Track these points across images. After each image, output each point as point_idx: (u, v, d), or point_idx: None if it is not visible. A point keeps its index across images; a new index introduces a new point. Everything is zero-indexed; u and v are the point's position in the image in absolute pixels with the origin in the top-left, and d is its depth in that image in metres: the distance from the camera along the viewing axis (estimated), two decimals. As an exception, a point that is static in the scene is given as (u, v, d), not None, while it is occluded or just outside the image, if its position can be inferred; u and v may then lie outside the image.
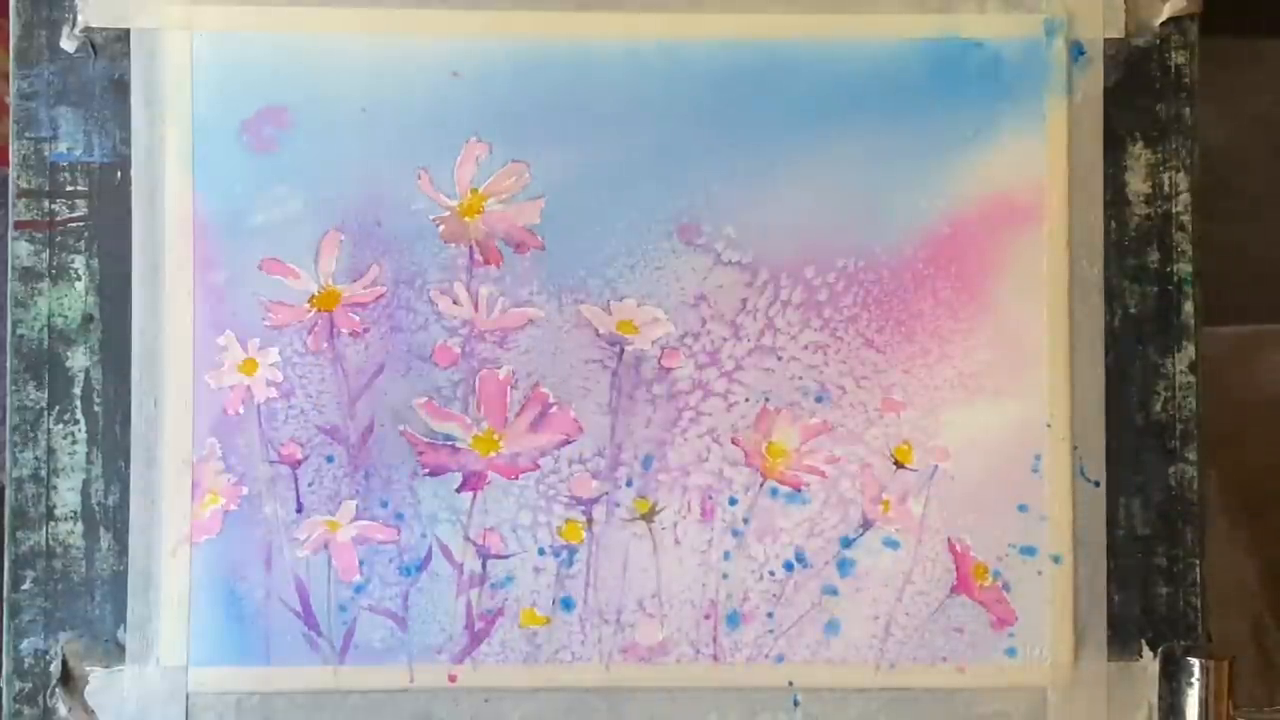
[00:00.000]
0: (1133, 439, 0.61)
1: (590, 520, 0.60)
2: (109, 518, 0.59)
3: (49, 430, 0.60)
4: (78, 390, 0.60)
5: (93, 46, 0.60)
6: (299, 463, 0.60)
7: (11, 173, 0.60)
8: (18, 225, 0.60)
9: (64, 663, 0.59)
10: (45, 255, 0.60)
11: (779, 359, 0.61)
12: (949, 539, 0.60)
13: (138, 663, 0.59)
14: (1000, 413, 0.61)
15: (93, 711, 0.59)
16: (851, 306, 0.61)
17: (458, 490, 0.60)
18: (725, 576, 0.60)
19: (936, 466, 0.60)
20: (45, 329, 0.60)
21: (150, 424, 0.59)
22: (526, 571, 0.60)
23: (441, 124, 0.60)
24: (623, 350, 0.60)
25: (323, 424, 0.60)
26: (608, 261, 0.60)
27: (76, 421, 0.60)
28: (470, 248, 0.60)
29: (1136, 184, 0.61)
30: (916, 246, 0.61)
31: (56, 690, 0.59)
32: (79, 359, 0.60)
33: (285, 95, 0.60)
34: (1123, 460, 0.61)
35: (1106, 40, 0.61)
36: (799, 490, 0.60)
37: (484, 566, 0.60)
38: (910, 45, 0.61)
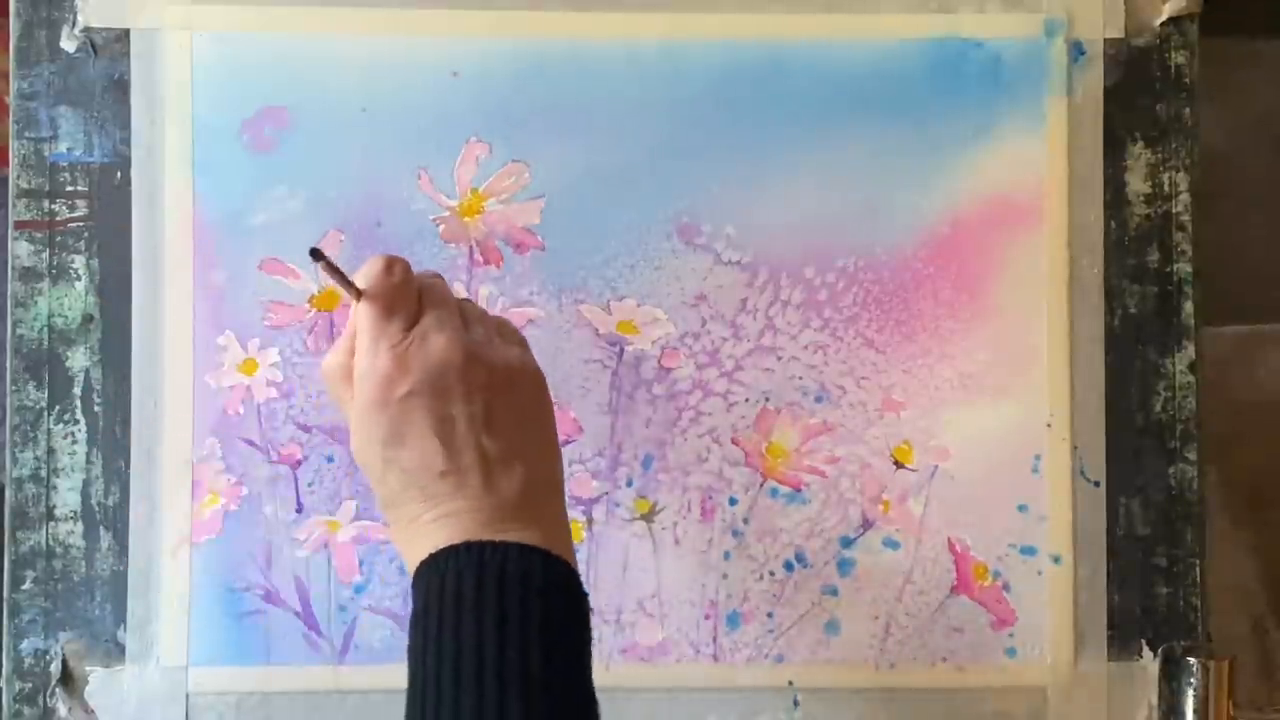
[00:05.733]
0: (1133, 439, 0.61)
1: (590, 520, 0.60)
2: (109, 518, 0.59)
3: (49, 430, 0.59)
4: (78, 390, 0.60)
5: (93, 46, 0.60)
6: (299, 463, 0.60)
7: (11, 173, 0.60)
8: (18, 225, 0.60)
9: (64, 663, 0.59)
10: (45, 255, 0.60)
11: (779, 359, 0.61)
12: (949, 539, 0.60)
13: (138, 663, 0.59)
14: (1000, 413, 0.61)
15: (93, 711, 0.59)
16: (851, 306, 0.61)
17: (458, 490, 0.60)
18: (725, 576, 0.60)
19: (936, 466, 0.60)
20: (45, 329, 0.60)
21: (150, 424, 0.59)
22: (526, 571, 0.60)
23: (441, 124, 0.60)
24: (623, 350, 0.60)
25: (323, 424, 0.60)
26: (608, 261, 0.60)
27: (76, 421, 0.60)
28: (470, 248, 0.60)
29: (1136, 184, 0.61)
30: (917, 246, 0.61)
31: (56, 690, 0.59)
32: (79, 359, 0.60)
33: (285, 95, 0.60)
34: (1123, 460, 0.61)
35: (1106, 40, 0.61)
36: (799, 490, 0.60)
37: (484, 566, 0.60)
38: (910, 45, 0.61)
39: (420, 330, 0.46)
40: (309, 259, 0.44)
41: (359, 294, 0.46)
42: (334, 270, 0.46)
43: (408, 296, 0.46)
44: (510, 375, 0.47)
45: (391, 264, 0.46)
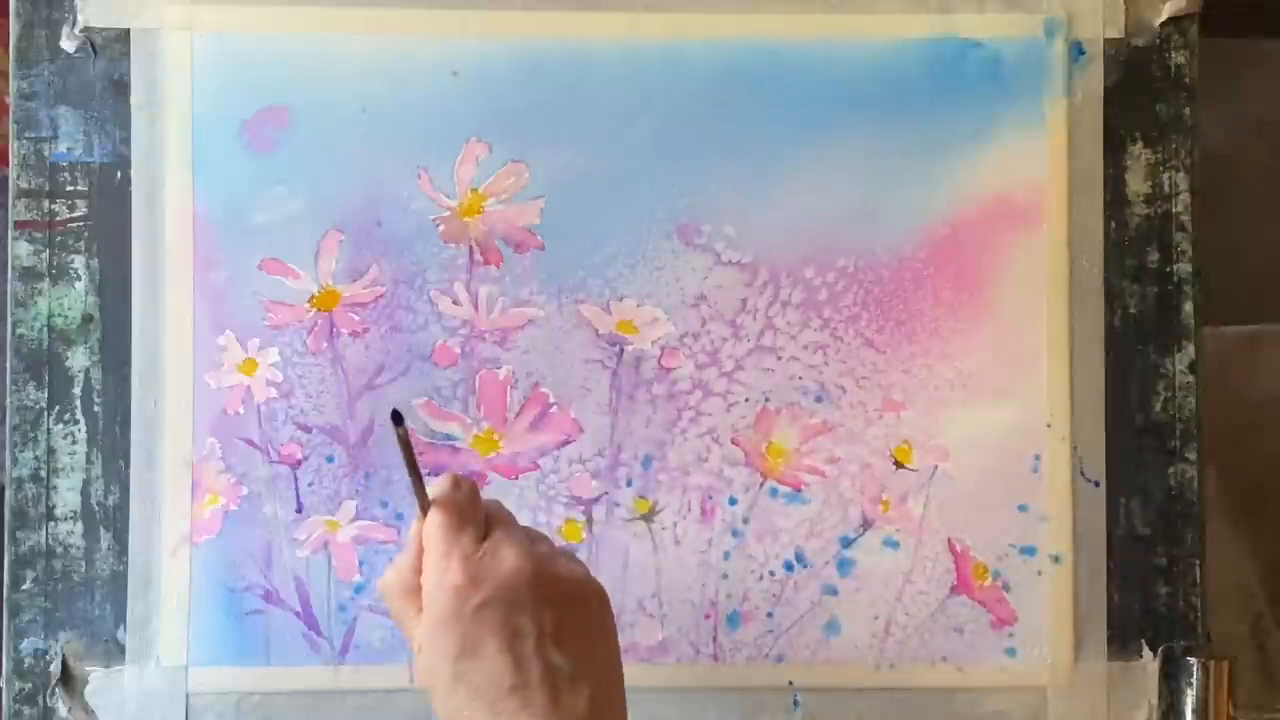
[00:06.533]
0: (1133, 439, 0.61)
1: (590, 520, 0.60)
2: (109, 518, 0.59)
3: (49, 430, 0.60)
4: (78, 390, 0.60)
5: (93, 46, 0.60)
6: (299, 463, 0.60)
7: (11, 173, 0.60)
8: (18, 225, 0.60)
9: (64, 663, 0.59)
10: (45, 255, 0.60)
11: (779, 359, 0.61)
12: (949, 539, 0.60)
13: (138, 663, 0.59)
14: (1000, 413, 0.61)
15: (93, 711, 0.59)
16: (851, 306, 0.61)
17: (458, 490, 0.60)
18: (725, 576, 0.60)
19: (936, 466, 0.60)
20: (45, 329, 0.60)
21: (150, 424, 0.59)
22: (526, 571, 0.60)
23: (441, 124, 0.60)
24: (623, 350, 0.60)
25: (323, 424, 0.60)
26: (608, 261, 0.60)
27: (76, 421, 0.60)
28: (470, 248, 0.60)
29: (1136, 184, 0.61)
30: (916, 246, 0.61)
31: (56, 690, 0.59)
32: (79, 359, 0.60)
33: (285, 95, 0.60)
34: (1123, 460, 0.61)
35: (1106, 40, 0.61)
36: (799, 490, 0.60)
37: (484, 566, 0.60)
38: (910, 45, 0.61)
39: (492, 543, 0.47)
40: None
41: (427, 505, 0.47)
42: (409, 454, 0.47)
43: (477, 511, 0.48)
44: (579, 589, 0.48)
45: (459, 480, 0.48)
